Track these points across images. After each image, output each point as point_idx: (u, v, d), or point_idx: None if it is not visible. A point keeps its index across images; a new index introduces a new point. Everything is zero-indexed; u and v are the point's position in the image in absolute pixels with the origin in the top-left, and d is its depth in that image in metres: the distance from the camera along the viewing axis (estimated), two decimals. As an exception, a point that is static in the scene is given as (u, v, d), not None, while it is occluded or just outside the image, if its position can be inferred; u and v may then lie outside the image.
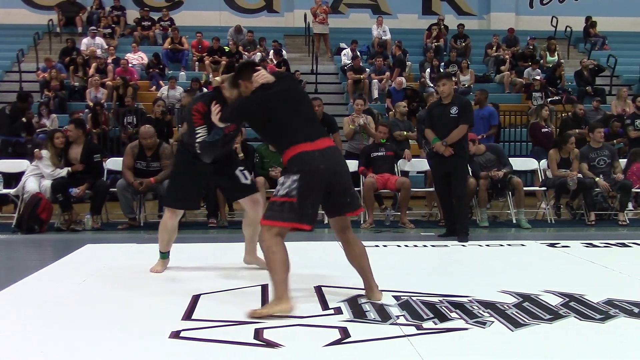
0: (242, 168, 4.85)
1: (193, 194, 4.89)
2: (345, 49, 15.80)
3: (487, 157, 7.96)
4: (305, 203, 3.61)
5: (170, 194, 4.97)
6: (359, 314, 3.62)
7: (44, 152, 7.66)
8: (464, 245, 6.28)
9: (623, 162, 8.80)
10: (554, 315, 3.61)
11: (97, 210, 7.70)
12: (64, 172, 7.58)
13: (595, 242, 6.38)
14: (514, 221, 8.06)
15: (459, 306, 3.76)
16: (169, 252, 4.96)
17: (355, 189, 7.58)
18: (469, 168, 7.42)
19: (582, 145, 8.91)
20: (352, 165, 8.45)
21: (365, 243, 6.27)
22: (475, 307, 3.74)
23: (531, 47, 16.07)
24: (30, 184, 7.54)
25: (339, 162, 3.82)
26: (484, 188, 7.84)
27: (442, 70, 14.52)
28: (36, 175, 7.66)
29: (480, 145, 8.04)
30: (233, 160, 4.88)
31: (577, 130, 10.13)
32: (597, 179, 8.18)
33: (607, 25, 18.47)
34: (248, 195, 4.84)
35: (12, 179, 8.31)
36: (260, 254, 4.55)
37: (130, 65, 14.21)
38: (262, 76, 3.85)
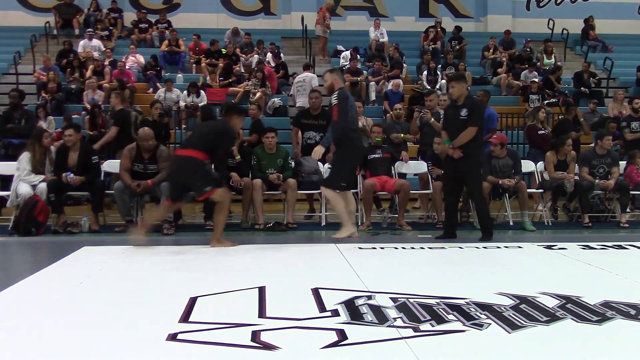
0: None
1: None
2: (343, 51, 15.80)
3: (505, 161, 7.94)
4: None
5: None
6: (356, 316, 3.62)
7: (24, 155, 7.55)
8: (460, 247, 6.29)
9: (623, 163, 8.80)
10: (551, 317, 3.61)
11: (98, 208, 7.67)
12: (39, 178, 7.46)
13: (592, 244, 6.39)
14: (511, 223, 8.08)
15: (456, 308, 3.76)
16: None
17: (354, 190, 7.68)
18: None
19: (578, 147, 8.90)
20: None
21: (362, 245, 6.37)
22: (473, 309, 3.74)
23: (528, 50, 16.10)
24: (22, 188, 7.42)
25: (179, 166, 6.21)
26: (487, 192, 7.85)
27: (438, 72, 14.56)
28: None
29: (503, 148, 7.99)
30: None
31: (572, 133, 10.16)
32: (596, 181, 8.19)
33: (604, 27, 18.54)
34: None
35: (7, 181, 8.17)
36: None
37: (127, 67, 14.19)
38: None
